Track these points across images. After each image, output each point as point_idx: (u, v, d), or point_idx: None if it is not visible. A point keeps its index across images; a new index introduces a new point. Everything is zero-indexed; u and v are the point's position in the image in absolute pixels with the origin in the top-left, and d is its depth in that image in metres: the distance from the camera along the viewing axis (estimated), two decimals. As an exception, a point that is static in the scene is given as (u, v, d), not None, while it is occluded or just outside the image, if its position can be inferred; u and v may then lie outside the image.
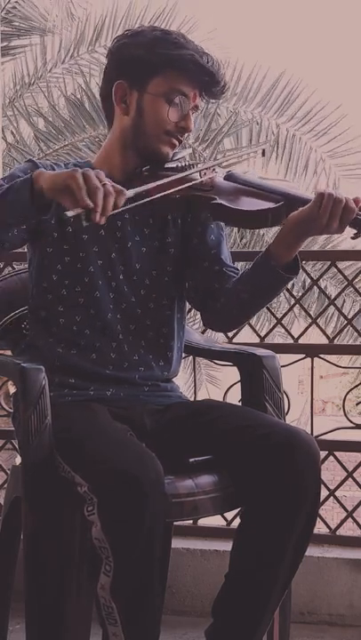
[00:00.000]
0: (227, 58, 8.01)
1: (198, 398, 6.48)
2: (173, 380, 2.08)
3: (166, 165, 1.99)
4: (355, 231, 1.88)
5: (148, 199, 1.77)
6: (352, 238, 1.91)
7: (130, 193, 1.71)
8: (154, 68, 1.93)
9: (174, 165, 1.99)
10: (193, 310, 3.15)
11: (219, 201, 1.92)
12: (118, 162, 2.01)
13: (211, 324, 2.14)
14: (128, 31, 2.01)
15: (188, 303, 2.14)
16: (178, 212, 1.99)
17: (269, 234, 7.56)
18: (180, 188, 1.83)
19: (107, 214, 1.65)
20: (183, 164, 2.00)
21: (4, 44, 8.17)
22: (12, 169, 2.04)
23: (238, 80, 8.05)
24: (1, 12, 8.00)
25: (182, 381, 2.55)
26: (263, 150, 2.12)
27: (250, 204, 1.94)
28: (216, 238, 2.06)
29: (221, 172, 2.01)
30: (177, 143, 1.99)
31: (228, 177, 2.00)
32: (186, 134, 1.99)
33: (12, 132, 8.23)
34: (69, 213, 1.63)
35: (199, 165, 2.00)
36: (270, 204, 1.93)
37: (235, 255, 2.18)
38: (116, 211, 1.67)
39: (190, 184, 1.86)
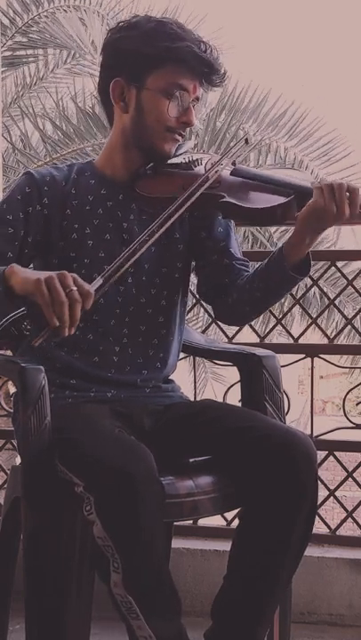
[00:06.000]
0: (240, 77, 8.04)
1: (204, 395, 6.46)
2: (174, 380, 2.08)
3: (170, 162, 1.96)
4: None
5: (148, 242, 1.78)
6: None
7: (98, 283, 1.70)
8: (151, 63, 1.89)
9: (178, 162, 1.96)
10: (193, 310, 3.15)
11: (228, 199, 1.87)
12: (121, 161, 1.99)
13: (222, 318, 2.15)
14: (122, 23, 1.96)
15: (200, 297, 2.14)
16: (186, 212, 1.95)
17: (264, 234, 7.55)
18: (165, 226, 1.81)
19: (75, 324, 1.64)
20: (187, 160, 1.96)
21: (9, 53, 8.15)
22: (11, 185, 2.03)
23: (250, 100, 8.01)
24: (21, 26, 8.02)
25: (185, 381, 2.55)
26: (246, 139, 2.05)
27: (260, 200, 1.88)
28: (224, 230, 2.04)
29: (226, 165, 1.96)
30: (179, 139, 1.96)
31: (235, 171, 1.95)
32: (188, 128, 1.96)
33: (17, 134, 8.22)
34: (37, 342, 1.64)
35: (203, 160, 1.96)
36: (281, 199, 1.87)
37: (249, 255, 2.16)
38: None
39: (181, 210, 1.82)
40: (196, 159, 1.97)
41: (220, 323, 2.80)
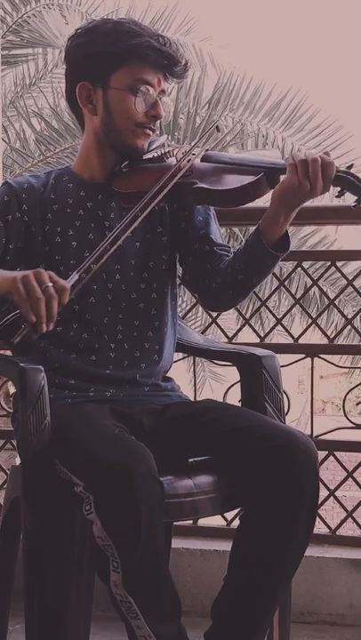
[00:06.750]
0: (234, 69, 8.04)
1: (203, 395, 6.46)
2: (173, 379, 2.09)
3: (144, 157, 1.99)
4: (338, 189, 1.87)
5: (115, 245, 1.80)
6: (337, 197, 1.92)
7: (73, 278, 1.73)
8: (113, 62, 1.93)
9: (151, 156, 1.99)
10: (193, 310, 3.16)
11: (200, 185, 1.91)
12: (97, 163, 2.01)
13: (208, 304, 2.16)
14: (80, 29, 2.00)
15: (185, 286, 2.14)
16: (163, 202, 1.97)
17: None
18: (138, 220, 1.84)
19: (53, 320, 1.67)
20: (159, 154, 1.99)
21: (5, 52, 8.16)
22: None
23: (245, 91, 8.02)
24: (12, 24, 8.02)
25: (185, 381, 2.56)
26: (217, 126, 2.10)
27: (231, 181, 1.93)
28: (203, 219, 2.06)
29: (198, 154, 1.99)
30: (151, 133, 1.99)
31: (206, 158, 1.99)
32: (158, 122, 1.99)
33: (13, 133, 8.22)
34: (16, 340, 1.67)
35: (175, 151, 2.00)
36: (251, 178, 1.91)
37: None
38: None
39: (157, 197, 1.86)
40: (168, 151, 2.01)
41: (219, 323, 2.81)
